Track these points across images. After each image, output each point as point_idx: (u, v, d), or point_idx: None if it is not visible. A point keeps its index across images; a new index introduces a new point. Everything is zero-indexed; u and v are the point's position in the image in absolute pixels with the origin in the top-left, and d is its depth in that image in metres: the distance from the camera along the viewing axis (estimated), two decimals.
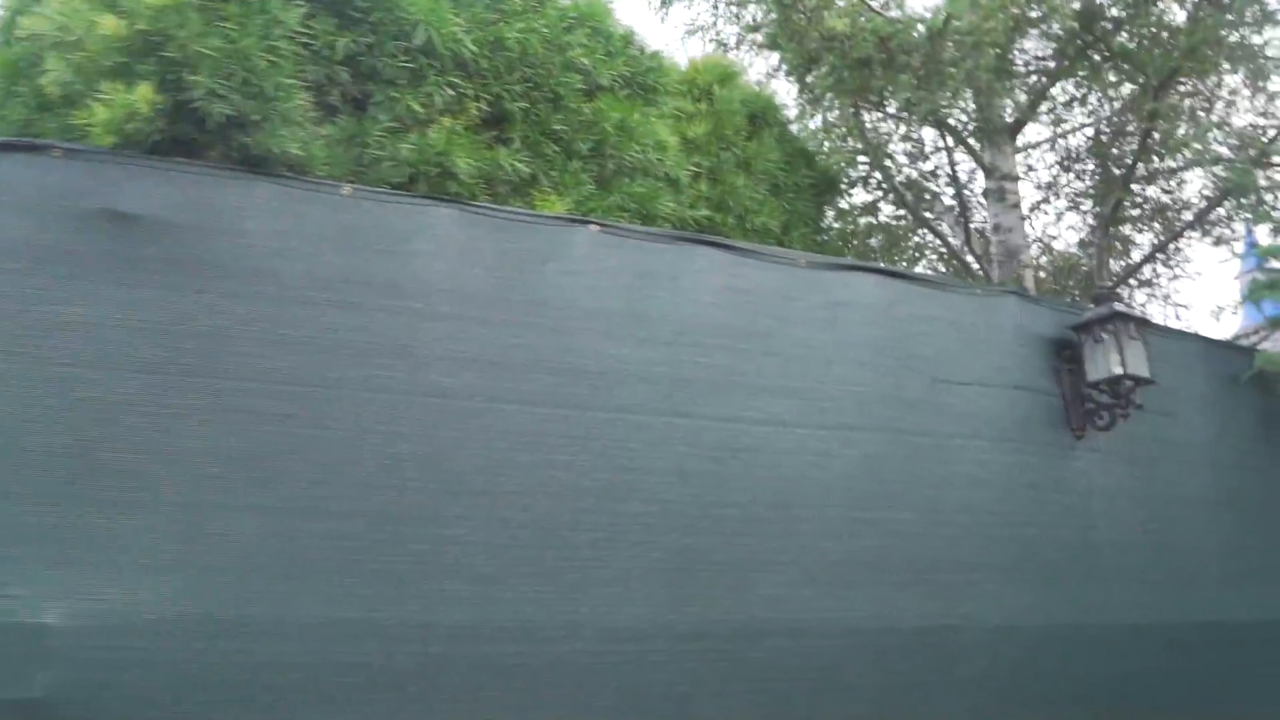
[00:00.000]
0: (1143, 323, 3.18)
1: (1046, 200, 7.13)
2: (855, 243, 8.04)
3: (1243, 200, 4.79)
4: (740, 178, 4.39)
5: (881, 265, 3.10)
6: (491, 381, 2.42)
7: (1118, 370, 3.08)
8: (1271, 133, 4.75)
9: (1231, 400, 3.93)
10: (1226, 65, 5.34)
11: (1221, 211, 5.51)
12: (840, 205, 7.62)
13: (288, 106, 2.42)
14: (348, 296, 2.35)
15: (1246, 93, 5.67)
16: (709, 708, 2.39)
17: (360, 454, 2.25)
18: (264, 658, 2.06)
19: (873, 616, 2.62)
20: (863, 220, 7.75)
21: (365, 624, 2.15)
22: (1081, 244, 6.93)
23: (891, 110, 6.10)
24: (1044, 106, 7.25)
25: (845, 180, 6.12)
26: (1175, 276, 6.78)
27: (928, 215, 6.54)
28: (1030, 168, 7.69)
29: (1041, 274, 7.68)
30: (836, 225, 7.65)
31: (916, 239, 7.92)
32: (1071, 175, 6.85)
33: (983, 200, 7.02)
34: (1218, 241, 5.73)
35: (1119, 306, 3.12)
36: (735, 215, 4.35)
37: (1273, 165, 4.55)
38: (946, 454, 2.93)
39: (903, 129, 7.20)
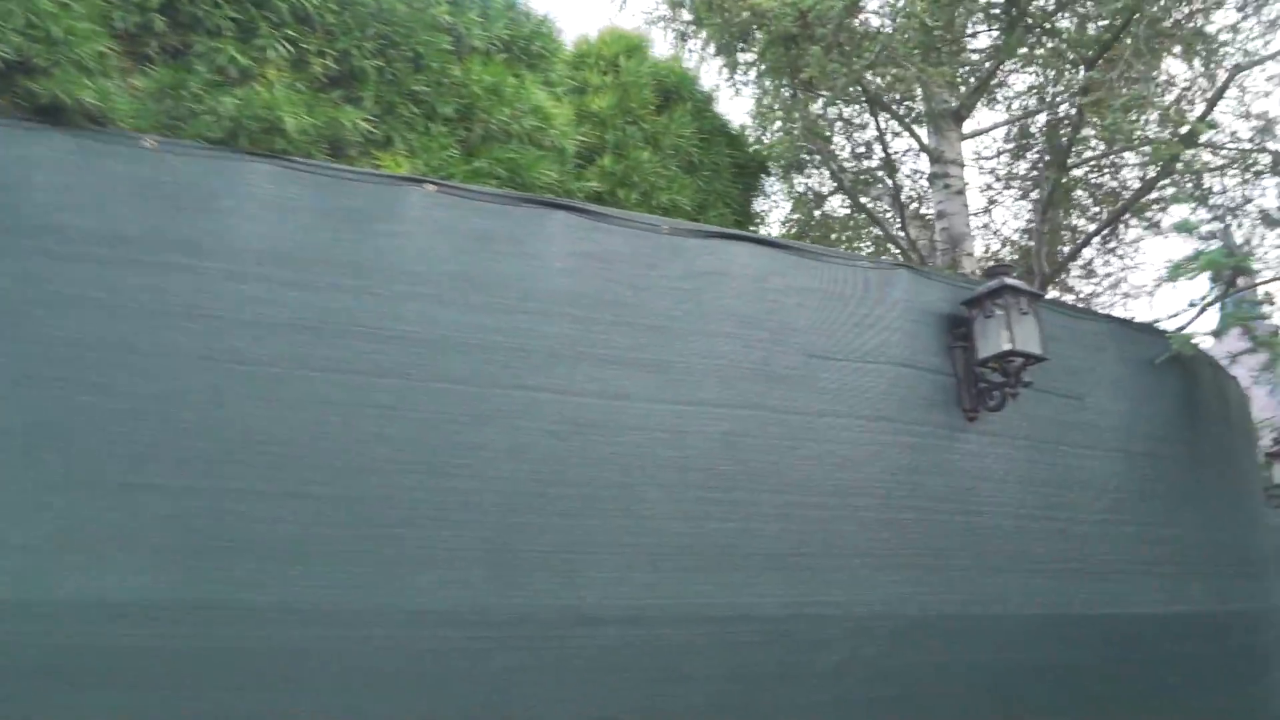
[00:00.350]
0: (1035, 298, 3.01)
1: (989, 187, 6.98)
2: (814, 233, 7.91)
3: (1175, 182, 4.63)
4: (646, 153, 4.23)
5: (756, 234, 2.89)
6: (301, 348, 2.24)
7: (1006, 346, 2.91)
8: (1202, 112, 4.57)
9: (1147, 384, 3.77)
10: (1176, 49, 5.20)
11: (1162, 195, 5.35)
12: (796, 193, 7.50)
13: (82, 52, 2.25)
14: (143, 255, 2.18)
15: (1188, 75, 5.54)
16: (531, 698, 2.22)
17: (144, 422, 2.07)
18: (30, 638, 1.88)
19: (726, 604, 2.45)
20: (816, 211, 7.63)
21: (141, 605, 1.98)
22: (1024, 231, 6.78)
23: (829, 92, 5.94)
24: (999, 95, 7.14)
25: (782, 163, 5.98)
26: (1126, 266, 6.65)
27: (864, 201, 6.39)
28: (980, 155, 7.56)
29: (992, 263, 7.54)
30: (790, 210, 7.53)
31: (878, 231, 7.79)
32: (1016, 161, 6.71)
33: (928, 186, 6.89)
34: (1149, 226, 5.59)
35: (1009, 280, 2.95)
36: (641, 192, 4.19)
37: (1200, 145, 4.39)
38: (817, 433, 2.76)
39: (848, 112, 7.07)
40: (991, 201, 7.03)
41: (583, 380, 2.50)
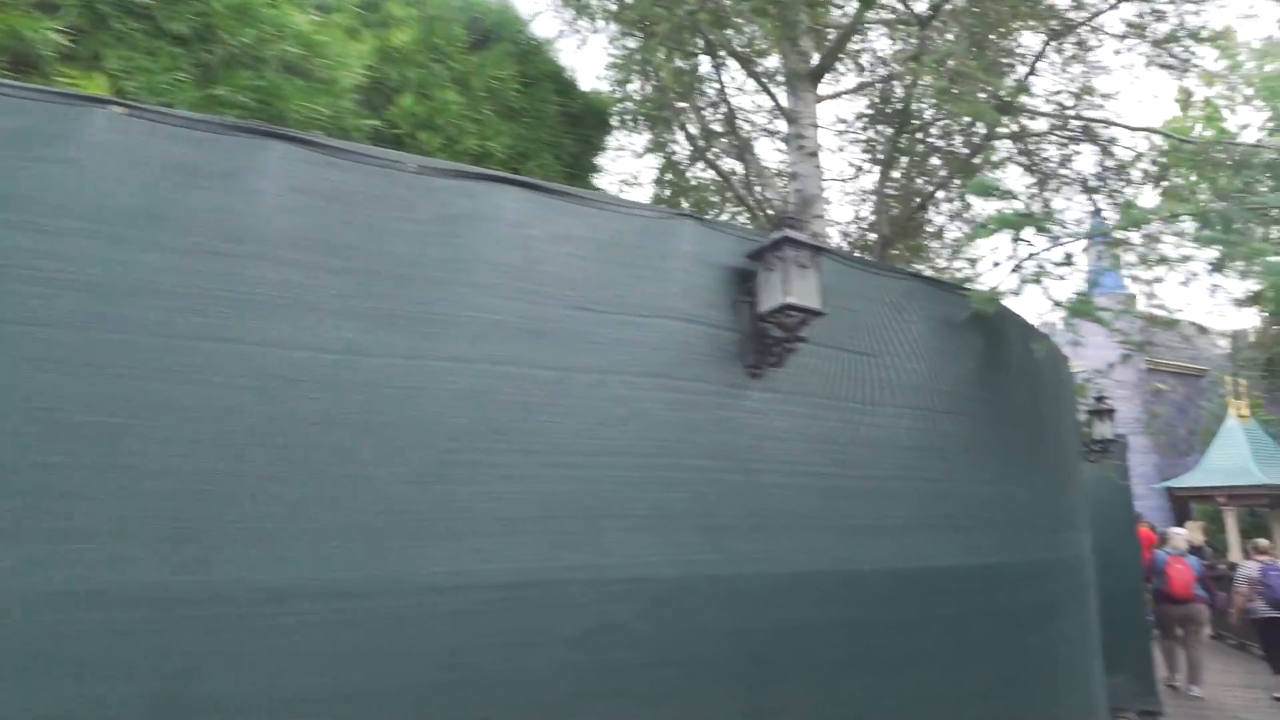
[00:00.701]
0: (817, 251, 2.93)
1: (842, 150, 7.00)
2: (692, 196, 7.76)
3: (990, 147, 4.68)
4: (452, 94, 3.95)
5: (521, 177, 2.67)
6: None
7: (784, 300, 2.82)
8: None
9: (950, 343, 3.80)
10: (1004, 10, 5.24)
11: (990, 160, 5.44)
12: (666, 151, 7.31)
13: None
14: None
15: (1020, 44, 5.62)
16: (218, 683, 1.99)
17: None
18: None
19: (452, 572, 2.27)
20: (691, 172, 7.47)
21: None
22: (870, 193, 6.84)
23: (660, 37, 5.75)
24: (865, 62, 7.11)
25: (631, 117, 5.77)
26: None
27: (712, 157, 6.28)
28: (840, 120, 7.56)
29: (850, 228, 7.61)
30: (662, 171, 7.33)
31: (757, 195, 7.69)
32: (872, 126, 6.73)
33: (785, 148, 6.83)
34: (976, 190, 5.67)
35: (790, 233, 2.86)
36: (446, 136, 3.91)
37: (1022, 110, 4.44)
38: (579, 390, 2.60)
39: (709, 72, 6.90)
40: (857, 167, 7.06)
41: (301, 332, 2.24)
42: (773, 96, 6.68)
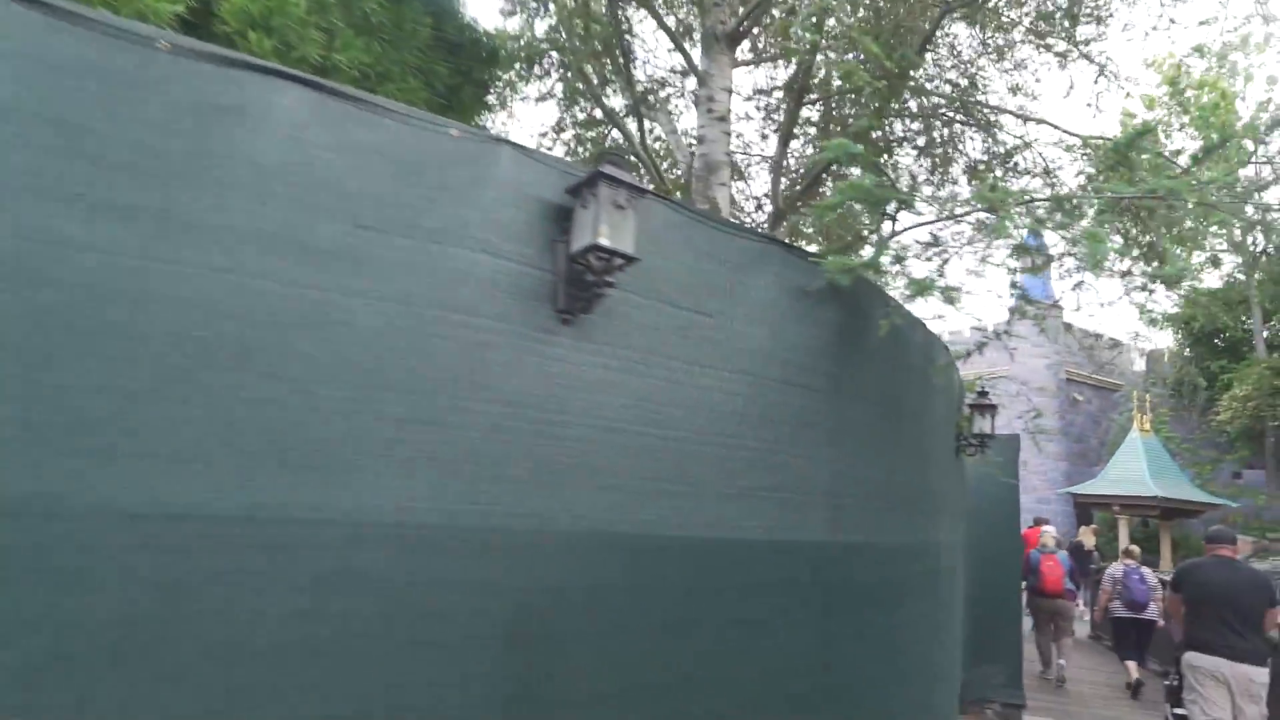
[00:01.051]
0: (639, 192, 2.73)
1: (747, 117, 6.83)
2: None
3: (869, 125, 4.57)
4: None
5: (297, 73, 2.40)
6: None
7: (593, 241, 2.63)
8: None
9: (798, 311, 3.67)
10: None
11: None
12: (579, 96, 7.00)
13: None
14: None
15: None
16: None
17: None
18: None
19: (152, 500, 2.02)
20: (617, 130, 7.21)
21: None
22: (765, 160, 6.70)
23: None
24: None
25: (519, 59, 5.48)
26: None
27: (613, 110, 6.05)
28: (766, 93, 7.39)
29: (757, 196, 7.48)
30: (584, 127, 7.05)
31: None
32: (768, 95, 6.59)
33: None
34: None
35: (606, 169, 2.65)
36: (282, 40, 3.59)
37: (906, 79, 4.32)
38: (344, 314, 2.37)
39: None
40: (763, 136, 6.91)
41: None
42: (686, 55, 6.46)
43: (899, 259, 3.67)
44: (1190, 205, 3.25)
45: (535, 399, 2.70)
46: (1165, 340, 26.78)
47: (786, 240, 3.97)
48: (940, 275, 3.62)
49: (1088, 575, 13.15)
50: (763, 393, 3.43)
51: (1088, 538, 14.03)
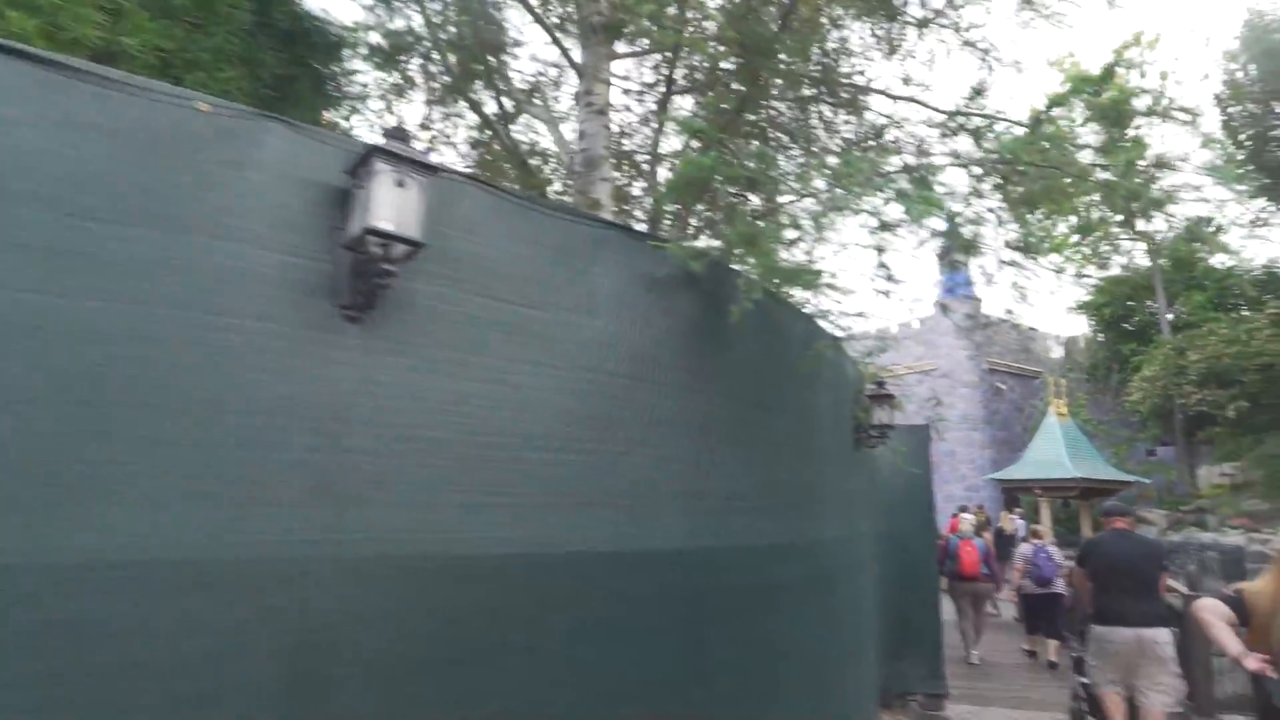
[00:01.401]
0: (425, 168, 2.44)
1: (626, 108, 6.64)
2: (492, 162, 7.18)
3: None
4: None
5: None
6: None
7: (370, 224, 2.32)
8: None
9: (647, 303, 3.42)
10: None
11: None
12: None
13: None
14: None
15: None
16: None
17: None
18: None
19: None
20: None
21: None
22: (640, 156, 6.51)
23: None
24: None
25: (366, 47, 5.14)
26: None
27: (475, 102, 5.76)
28: (645, 83, 7.18)
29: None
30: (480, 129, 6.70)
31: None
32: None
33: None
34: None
35: (382, 143, 2.36)
36: (48, 20, 3.19)
37: (768, 57, 4.15)
38: (64, 318, 2.01)
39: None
40: (631, 132, 6.70)
41: None
42: (561, 47, 6.21)
43: (749, 241, 3.46)
44: (1036, 167, 3.15)
45: (310, 408, 2.38)
46: (1081, 327, 27.75)
47: (630, 226, 3.73)
48: (810, 259, 3.44)
49: (1009, 559, 13.38)
50: (604, 391, 3.16)
51: (1007, 523, 14.40)
